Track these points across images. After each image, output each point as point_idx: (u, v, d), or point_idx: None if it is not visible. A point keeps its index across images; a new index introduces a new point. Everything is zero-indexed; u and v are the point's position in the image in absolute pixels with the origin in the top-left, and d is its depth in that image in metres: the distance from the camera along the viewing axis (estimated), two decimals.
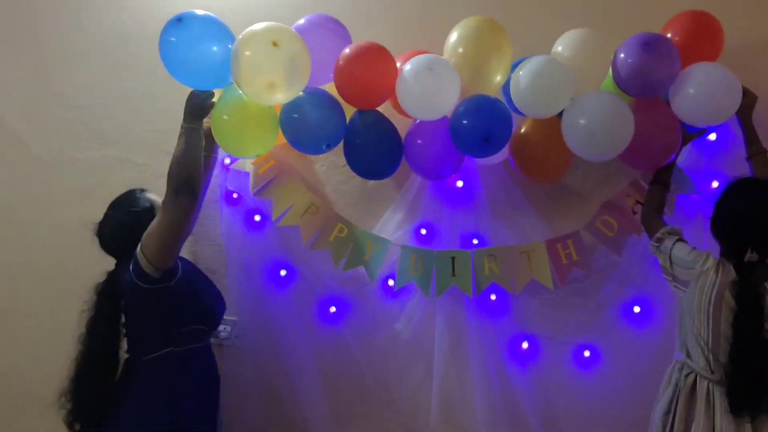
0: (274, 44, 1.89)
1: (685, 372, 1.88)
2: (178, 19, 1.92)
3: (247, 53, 1.89)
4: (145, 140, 2.63)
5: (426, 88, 1.99)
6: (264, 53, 1.90)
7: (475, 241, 2.40)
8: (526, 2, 2.42)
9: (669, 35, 2.09)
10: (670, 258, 1.91)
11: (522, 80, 1.98)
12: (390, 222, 2.45)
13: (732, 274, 1.78)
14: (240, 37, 1.93)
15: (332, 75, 2.08)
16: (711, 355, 1.80)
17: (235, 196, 2.53)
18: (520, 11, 2.40)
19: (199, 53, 1.93)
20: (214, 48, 1.93)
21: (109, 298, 2.03)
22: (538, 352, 2.40)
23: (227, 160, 2.51)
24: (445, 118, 2.13)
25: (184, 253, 2.54)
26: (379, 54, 2.05)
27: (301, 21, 2.13)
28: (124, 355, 2.07)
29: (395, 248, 2.38)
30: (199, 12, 1.96)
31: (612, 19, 2.35)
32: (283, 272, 2.51)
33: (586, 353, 2.36)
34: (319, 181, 2.53)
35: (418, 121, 2.18)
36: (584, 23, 2.11)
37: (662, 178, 2.10)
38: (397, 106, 2.17)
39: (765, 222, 1.77)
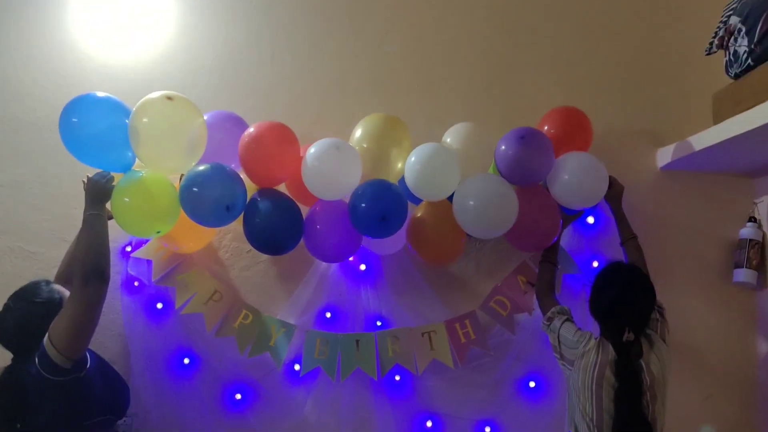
0: (168, 98, 2.01)
1: None
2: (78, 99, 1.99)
3: (143, 104, 2.00)
4: (38, 228, 2.55)
5: (333, 166, 2.08)
6: (159, 102, 2.00)
7: (379, 323, 2.47)
8: (417, 96, 2.59)
9: (545, 128, 2.30)
10: (558, 337, 2.04)
11: (414, 165, 2.12)
12: (295, 306, 2.47)
13: (611, 352, 1.91)
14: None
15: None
16: (596, 430, 1.91)
17: (136, 284, 2.48)
18: (412, 105, 2.57)
19: (101, 129, 1.98)
20: (116, 123, 2.00)
21: (6, 395, 1.92)
22: (442, 429, 2.46)
23: (128, 248, 2.47)
24: (341, 203, 2.21)
25: None
26: (283, 131, 2.15)
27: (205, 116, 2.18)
28: None
29: (300, 333, 2.41)
30: (100, 93, 2.05)
31: (494, 114, 2.56)
32: (186, 360, 2.47)
33: (487, 429, 2.45)
34: (223, 268, 2.53)
35: (316, 206, 2.24)
36: (470, 118, 2.30)
37: (549, 257, 2.27)
38: (296, 193, 2.24)
39: (637, 305, 1.94)
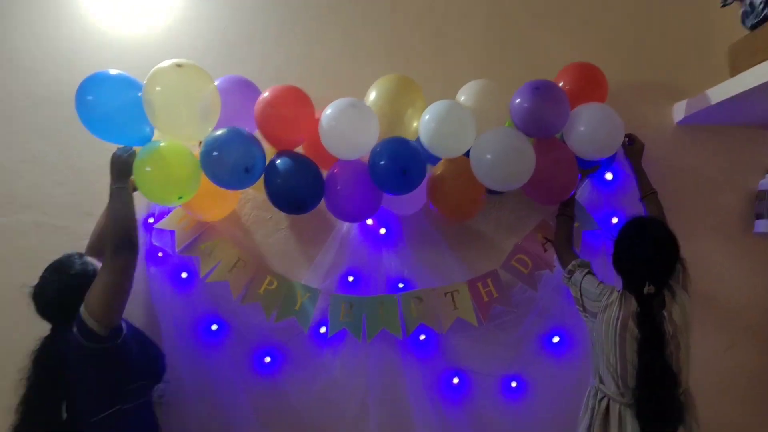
0: (178, 65, 2.03)
1: (599, 396, 2.03)
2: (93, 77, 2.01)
3: (154, 74, 2.03)
4: (62, 202, 2.57)
5: (351, 125, 2.07)
6: (170, 70, 2.03)
7: (401, 285, 2.50)
8: (429, 57, 2.59)
9: (560, 84, 2.30)
10: (580, 290, 2.07)
11: (429, 122, 2.12)
12: (318, 271, 2.50)
13: (634, 305, 1.94)
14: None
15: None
16: (620, 381, 1.95)
17: (160, 254, 2.51)
18: (424, 66, 2.57)
19: (117, 106, 2.01)
20: (131, 98, 2.02)
21: (47, 364, 1.98)
22: (469, 386, 2.51)
23: (151, 219, 2.50)
24: (359, 162, 2.22)
25: None
26: (297, 93, 2.16)
27: (216, 82, 2.18)
28: None
29: (325, 297, 2.45)
30: (113, 71, 2.07)
31: (507, 73, 2.55)
32: (214, 327, 2.51)
33: (513, 384, 2.49)
34: (245, 236, 2.55)
35: (335, 167, 2.24)
36: (483, 78, 2.30)
37: (566, 211, 2.29)
38: (313, 155, 2.25)
39: (660, 259, 1.95)
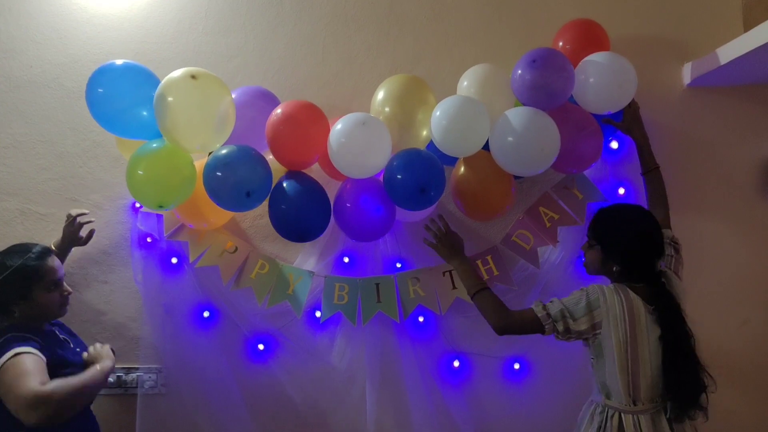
0: (192, 77, 1.92)
1: (608, 413, 1.85)
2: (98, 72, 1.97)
3: (167, 84, 1.93)
4: (45, 188, 2.49)
5: (360, 144, 1.96)
6: (183, 82, 1.92)
7: (399, 265, 2.40)
8: (420, 41, 2.47)
9: (560, 44, 2.16)
10: (571, 319, 1.83)
11: (440, 122, 1.98)
12: (311, 254, 2.41)
13: (631, 296, 1.81)
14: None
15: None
16: (632, 388, 1.79)
17: (149, 240, 2.43)
18: (422, 30, 2.44)
19: (128, 100, 1.96)
20: (143, 92, 1.97)
21: None
22: (470, 369, 2.42)
23: (138, 203, 2.42)
24: (371, 179, 2.11)
25: (99, 301, 2.46)
26: (310, 113, 2.04)
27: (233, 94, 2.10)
28: None
29: (318, 279, 2.35)
30: (119, 62, 2.00)
31: (507, 39, 2.41)
32: (206, 314, 2.44)
33: (516, 366, 2.40)
34: (235, 219, 2.46)
35: (346, 184, 2.14)
36: (482, 47, 2.16)
37: (482, 283, 2.02)
38: (328, 169, 2.16)
39: (656, 235, 1.86)
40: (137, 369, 2.44)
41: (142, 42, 2.49)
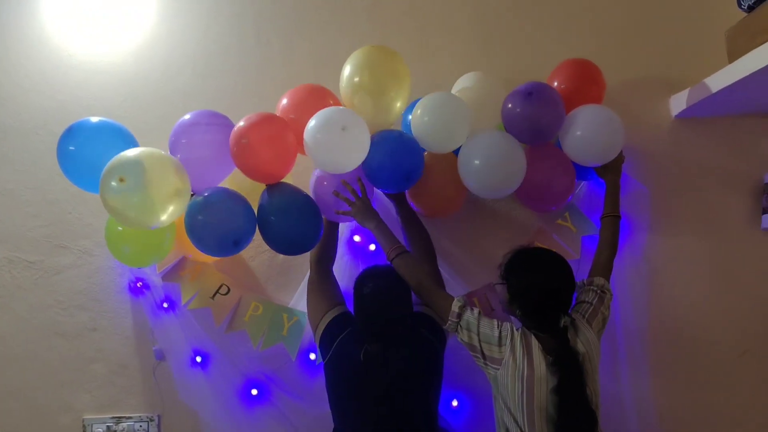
0: (121, 180, 1.76)
1: None
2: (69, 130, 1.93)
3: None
4: (34, 236, 2.46)
5: (340, 150, 1.91)
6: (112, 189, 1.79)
7: None
8: (415, 57, 2.44)
9: (555, 83, 2.17)
10: (478, 335, 1.80)
11: (423, 115, 1.98)
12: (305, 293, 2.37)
13: (536, 344, 1.77)
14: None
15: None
16: (527, 428, 1.75)
17: (139, 285, 2.40)
18: (418, 57, 2.44)
19: (99, 157, 1.87)
20: (115, 149, 1.88)
21: None
22: (468, 408, 2.37)
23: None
24: None
25: (89, 349, 2.41)
26: (275, 126, 1.94)
27: (186, 116, 2.05)
28: None
29: None
30: (94, 119, 1.98)
31: (497, 71, 2.41)
32: (198, 359, 2.39)
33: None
34: (227, 260, 2.43)
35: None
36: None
37: (401, 248, 1.98)
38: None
39: (557, 289, 1.79)
40: (130, 417, 2.39)
41: (131, 86, 2.49)
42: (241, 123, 1.91)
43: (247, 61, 2.50)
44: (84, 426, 2.40)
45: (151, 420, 2.38)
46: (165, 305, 2.39)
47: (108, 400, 2.36)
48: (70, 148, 1.92)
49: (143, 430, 2.37)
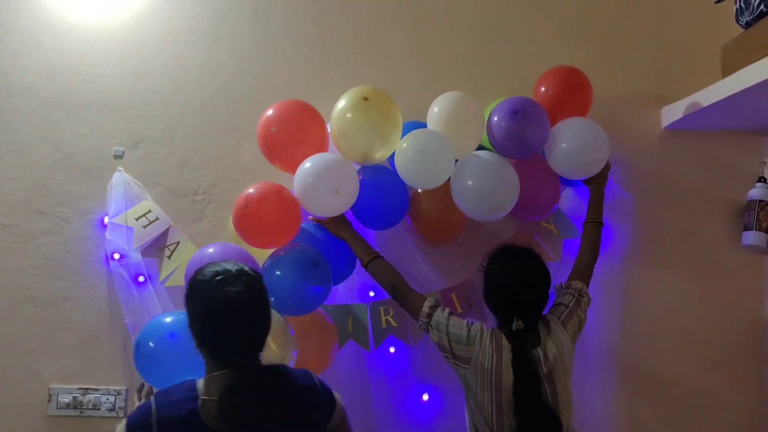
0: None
1: None
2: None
3: None
4: (11, 198, 2.41)
5: (331, 207, 2.01)
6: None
7: (372, 293, 2.36)
8: (408, 59, 2.48)
9: (542, 89, 2.18)
10: (447, 335, 1.83)
11: (405, 156, 1.99)
12: None
13: (506, 344, 1.77)
14: None
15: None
16: (496, 428, 1.75)
17: (117, 256, 2.36)
18: (403, 69, 2.45)
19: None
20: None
21: None
22: (439, 402, 2.37)
23: (106, 219, 2.35)
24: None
25: (60, 318, 2.37)
26: (279, 198, 2.02)
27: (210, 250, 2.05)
28: None
29: None
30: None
31: (489, 77, 2.43)
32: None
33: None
34: (206, 239, 2.40)
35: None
36: (464, 82, 2.16)
37: (374, 253, 2.04)
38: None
39: (530, 292, 1.78)
40: (96, 390, 2.35)
41: (122, 54, 2.45)
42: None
43: (243, 35, 2.47)
44: (50, 395, 2.36)
45: (119, 394, 2.34)
46: (141, 279, 2.35)
47: (76, 370, 2.31)
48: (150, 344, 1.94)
49: (110, 403, 2.33)
